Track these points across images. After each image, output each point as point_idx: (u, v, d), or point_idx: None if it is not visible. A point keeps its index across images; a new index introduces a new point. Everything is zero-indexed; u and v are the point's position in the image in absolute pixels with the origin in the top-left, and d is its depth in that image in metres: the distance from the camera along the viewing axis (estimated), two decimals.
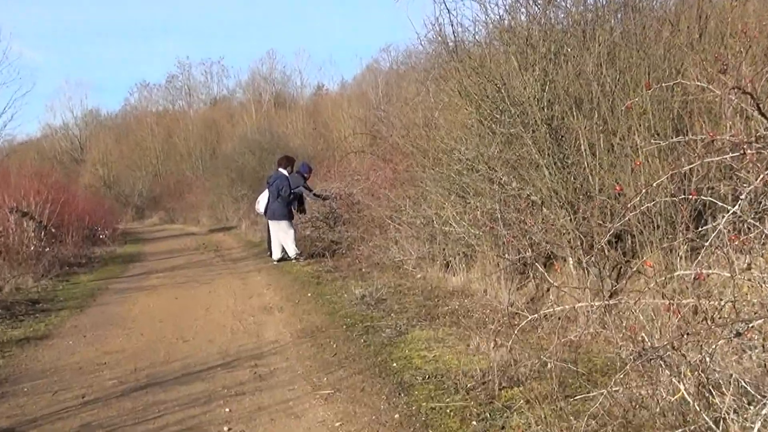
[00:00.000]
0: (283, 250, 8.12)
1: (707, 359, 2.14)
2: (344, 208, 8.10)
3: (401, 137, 6.83)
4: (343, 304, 5.26)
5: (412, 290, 5.49)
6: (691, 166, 2.77)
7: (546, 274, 4.18)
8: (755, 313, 2.11)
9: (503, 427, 2.65)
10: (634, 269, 3.25)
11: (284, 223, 7.99)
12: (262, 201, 8.06)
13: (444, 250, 5.82)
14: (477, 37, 5.21)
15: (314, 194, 8.16)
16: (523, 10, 4.71)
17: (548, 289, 4.41)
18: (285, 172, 8.11)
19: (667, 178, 3.03)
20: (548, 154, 4.34)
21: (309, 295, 5.88)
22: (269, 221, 8.12)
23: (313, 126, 18.86)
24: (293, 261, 8.02)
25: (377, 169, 7.65)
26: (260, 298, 5.99)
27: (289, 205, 8.02)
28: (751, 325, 2.07)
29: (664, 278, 2.84)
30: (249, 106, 25.90)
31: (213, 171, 20.49)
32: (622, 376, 2.41)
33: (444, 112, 6.08)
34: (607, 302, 3.22)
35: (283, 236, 7.99)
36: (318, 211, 8.84)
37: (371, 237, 7.07)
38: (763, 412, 1.88)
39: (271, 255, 8.32)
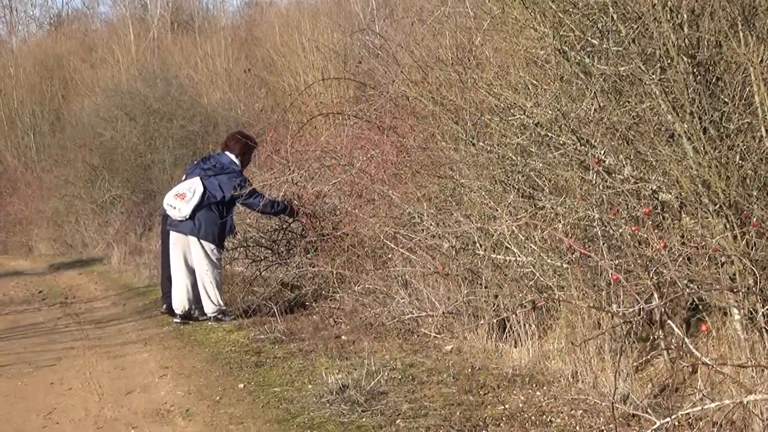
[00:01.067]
0: (194, 299, 8.21)
1: None
2: (307, 223, 8.21)
3: (412, 85, 6.89)
4: (305, 404, 5.28)
5: (437, 375, 5.51)
6: None
7: (689, 341, 4.18)
8: None
9: None
10: None
11: (209, 250, 8.10)
12: (193, 198, 8.11)
13: (496, 298, 5.86)
14: None
15: (267, 202, 8.20)
16: None
17: (694, 370, 4.42)
18: (236, 160, 8.22)
19: None
20: (692, 114, 4.37)
21: (241, 387, 5.89)
22: (174, 241, 8.22)
23: (246, 65, 18.98)
24: (210, 321, 8.11)
25: (368, 145, 7.72)
26: (148, 394, 6.00)
27: (226, 218, 8.14)
28: None
29: None
30: (124, 29, 26.06)
31: (57, 153, 20.80)
32: None
33: (493, 37, 6.13)
34: None
35: (202, 272, 8.07)
36: (257, 228, 8.94)
37: (358, 275, 7.13)
38: None
39: (167, 308, 8.43)
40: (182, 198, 8.09)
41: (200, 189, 8.06)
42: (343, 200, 8.01)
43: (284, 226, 8.66)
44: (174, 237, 8.17)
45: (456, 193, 6.19)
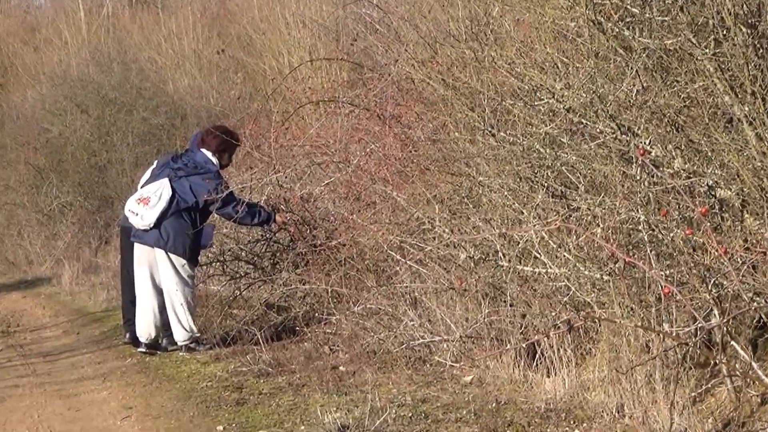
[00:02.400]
0: (162, 325, 8.20)
1: None
2: (296, 232, 8.21)
3: (418, 65, 6.89)
4: None
5: (455, 411, 5.51)
6: None
7: (756, 365, 4.18)
8: None
9: None
10: None
11: (179, 265, 8.09)
12: (159, 202, 8.06)
13: (524, 318, 5.86)
14: None
15: (247, 213, 8.20)
16: None
17: (763, 401, 4.41)
18: (213, 158, 8.20)
19: None
20: (753, 94, 4.36)
21: (220, 429, 5.87)
22: (138, 256, 8.19)
23: (219, 45, 19.02)
24: (182, 352, 8.11)
25: (366, 138, 7.74)
26: None
27: (200, 227, 8.16)
28: None
29: None
30: (73, 5, 26.10)
31: None
32: None
33: (514, 6, 6.13)
34: None
35: (171, 293, 8.05)
36: (236, 239, 8.93)
37: (358, 293, 7.13)
38: None
39: (131, 336, 8.42)
40: (146, 203, 8.05)
41: (168, 192, 8.04)
42: (337, 204, 8.01)
43: (268, 237, 8.67)
44: (138, 250, 8.15)
45: (473, 194, 6.19)
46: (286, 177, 8.51)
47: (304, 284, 7.90)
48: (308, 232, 8.08)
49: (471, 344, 6.16)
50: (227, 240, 9.06)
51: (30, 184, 18.10)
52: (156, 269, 8.09)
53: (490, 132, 5.91)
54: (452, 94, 6.35)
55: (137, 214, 8.05)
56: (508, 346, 5.87)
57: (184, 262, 8.02)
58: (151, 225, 7.99)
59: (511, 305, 5.86)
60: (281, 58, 16.22)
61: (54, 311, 12.30)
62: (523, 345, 5.77)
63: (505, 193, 5.79)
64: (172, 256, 8.00)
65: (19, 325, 11.37)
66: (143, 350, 8.19)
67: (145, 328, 8.15)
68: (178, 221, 8.01)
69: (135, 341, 8.31)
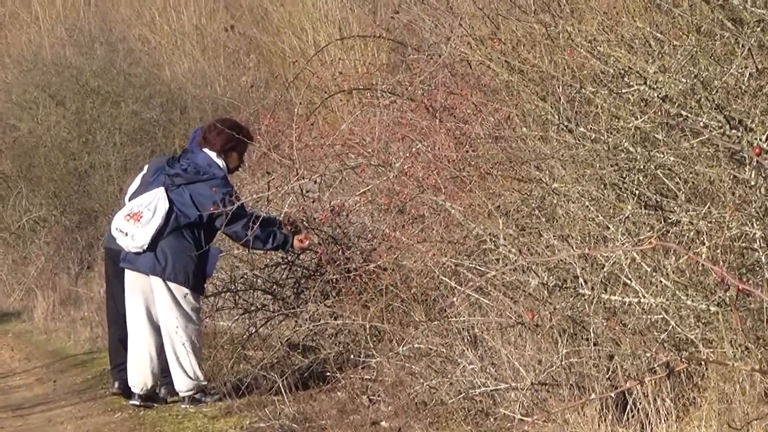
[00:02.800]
0: (161, 371, 8.22)
1: None
2: (324, 253, 8.18)
3: (476, 44, 6.89)
4: None
5: None
6: None
7: None
8: None
9: None
10: None
11: (180, 296, 8.08)
12: (153, 219, 8.02)
13: (611, 360, 5.84)
14: None
15: (261, 234, 8.12)
16: None
17: None
18: (218, 160, 8.23)
19: None
20: None
21: None
22: (130, 284, 8.21)
23: (227, 21, 19.09)
24: (185, 404, 8.14)
25: (412, 135, 7.75)
26: None
27: (205, 247, 8.16)
28: None
29: None
30: None
31: None
32: None
33: None
34: None
35: (171, 331, 8.04)
36: (250, 262, 8.94)
37: (402, 330, 7.14)
38: None
39: (120, 386, 8.46)
40: (137, 219, 8.06)
41: (164, 205, 8.07)
42: (377, 218, 8.03)
43: (290, 260, 8.68)
44: (130, 278, 8.18)
45: (546, 204, 6.18)
46: (312, 184, 8.51)
47: (335, 319, 7.90)
48: (340, 253, 8.07)
49: (545, 393, 6.10)
50: (240, 264, 9.07)
51: None
52: (152, 301, 8.10)
53: (566, 127, 5.91)
54: (518, 80, 6.35)
55: (127, 234, 8.05)
56: (592, 396, 5.82)
57: (187, 291, 8.03)
58: (145, 247, 8.01)
59: (594, 344, 5.81)
60: (304, 36, 16.23)
61: (25, 353, 12.33)
62: (611, 394, 5.72)
63: (586, 203, 5.78)
64: (171, 284, 8.01)
65: None
66: (137, 403, 8.19)
67: (140, 375, 8.15)
68: (178, 241, 8.03)
69: (126, 391, 8.33)
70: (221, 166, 8.18)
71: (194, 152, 8.28)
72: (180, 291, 8.02)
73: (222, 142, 8.21)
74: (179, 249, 8.03)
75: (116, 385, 8.54)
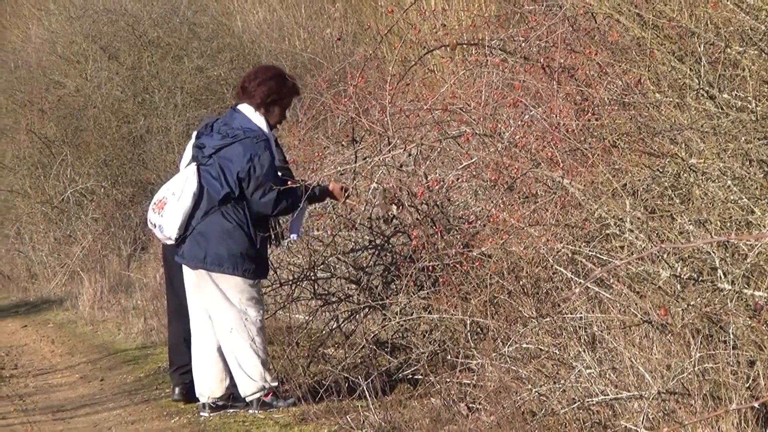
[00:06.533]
0: (231, 378, 8.32)
1: None
2: (419, 236, 8.15)
3: None
4: None
5: None
6: None
7: None
8: None
9: None
10: None
11: (232, 287, 8.17)
12: (177, 202, 8.05)
13: (752, 366, 5.82)
14: None
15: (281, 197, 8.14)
16: None
17: None
18: (257, 115, 8.31)
19: None
20: None
21: None
22: (188, 279, 8.36)
23: None
24: (253, 409, 8.24)
25: (525, 100, 7.81)
26: None
27: (252, 225, 8.21)
28: None
29: None
30: None
31: None
32: None
33: None
34: None
35: (224, 330, 8.15)
36: (333, 245, 9.03)
37: (509, 327, 7.18)
38: None
39: (182, 392, 8.64)
40: (161, 207, 8.27)
41: (192, 185, 8.21)
42: (481, 196, 8.08)
43: (379, 243, 8.80)
44: (187, 273, 8.37)
45: (681, 183, 6.20)
46: (407, 156, 8.55)
47: (430, 313, 7.94)
48: (438, 237, 8.08)
49: (674, 403, 6.08)
50: (319, 246, 9.18)
51: (34, 162, 18.36)
52: (214, 301, 8.23)
53: (707, 93, 5.90)
54: (652, 37, 6.34)
55: (155, 226, 8.30)
56: (731, 407, 5.78)
57: (238, 280, 8.13)
58: (174, 237, 8.21)
59: (734, 347, 5.79)
60: None
61: (67, 347, 12.50)
62: (753, 405, 5.71)
63: (729, 182, 5.77)
64: (215, 275, 8.13)
65: (18, 366, 11.57)
66: (206, 414, 8.32)
67: (206, 383, 8.29)
68: (217, 222, 8.15)
69: (188, 398, 8.52)
70: (258, 124, 8.27)
71: (231, 112, 8.40)
72: (228, 281, 8.13)
73: (263, 94, 8.33)
74: (219, 231, 8.14)
75: (177, 391, 8.70)
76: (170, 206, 8.16)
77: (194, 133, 8.63)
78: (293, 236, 8.49)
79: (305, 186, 8.20)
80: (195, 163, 8.25)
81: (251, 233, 8.14)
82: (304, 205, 8.36)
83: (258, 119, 8.24)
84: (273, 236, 8.42)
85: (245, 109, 8.30)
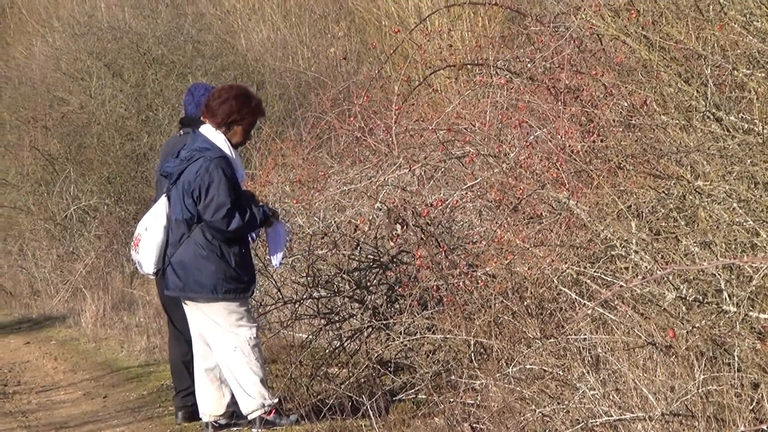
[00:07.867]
0: (224, 394, 8.35)
1: None
2: (422, 256, 8.13)
3: (609, 15, 6.84)
4: None
5: None
6: None
7: None
8: None
9: None
10: None
11: (216, 311, 8.17)
12: (149, 236, 8.15)
13: (756, 389, 5.80)
14: None
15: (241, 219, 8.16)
16: None
17: None
18: (216, 135, 8.26)
19: None
20: None
21: None
22: (186, 308, 8.40)
23: None
24: (256, 428, 8.22)
25: (530, 121, 7.82)
26: None
27: (223, 246, 8.17)
28: None
29: None
30: None
31: None
32: None
33: None
34: None
35: (220, 351, 8.16)
36: (335, 263, 9.06)
37: (513, 347, 7.18)
38: None
39: (185, 415, 8.70)
40: (136, 245, 8.33)
41: (162, 217, 8.25)
42: (486, 216, 8.06)
43: (382, 261, 8.79)
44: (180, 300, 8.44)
45: (687, 205, 6.19)
46: (410, 175, 8.57)
47: (434, 333, 7.93)
48: (442, 256, 8.07)
49: (678, 425, 6.06)
50: (323, 265, 9.17)
51: (37, 179, 18.39)
52: (204, 325, 8.28)
53: (713, 115, 5.90)
54: (658, 59, 6.34)
55: (136, 263, 8.41)
56: (734, 430, 5.83)
57: (222, 304, 8.12)
58: (153, 271, 8.26)
59: (738, 370, 5.78)
60: (404, 2, 16.27)
61: (70, 364, 12.51)
62: (756, 428, 5.71)
63: (734, 204, 5.76)
64: (200, 303, 8.16)
65: (21, 383, 11.57)
66: None
67: (207, 401, 8.30)
68: (190, 248, 8.15)
69: (191, 418, 8.58)
70: (217, 143, 8.20)
71: (194, 136, 8.36)
72: (212, 307, 8.15)
73: (225, 113, 8.26)
74: (193, 258, 8.13)
75: (180, 415, 8.77)
76: (144, 242, 8.22)
77: (165, 160, 8.69)
78: (274, 262, 8.48)
79: (262, 206, 8.26)
80: (165, 194, 8.27)
81: (226, 254, 8.11)
82: (279, 229, 8.38)
83: (217, 138, 8.20)
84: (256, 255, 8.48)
85: (206, 129, 8.28)
